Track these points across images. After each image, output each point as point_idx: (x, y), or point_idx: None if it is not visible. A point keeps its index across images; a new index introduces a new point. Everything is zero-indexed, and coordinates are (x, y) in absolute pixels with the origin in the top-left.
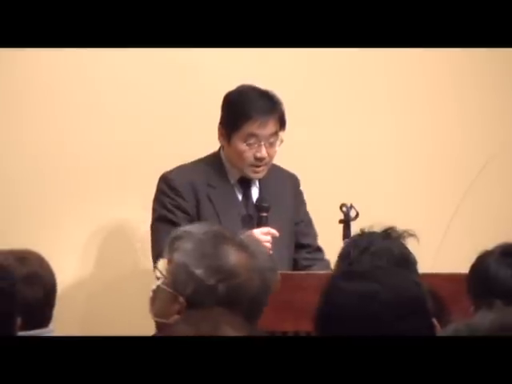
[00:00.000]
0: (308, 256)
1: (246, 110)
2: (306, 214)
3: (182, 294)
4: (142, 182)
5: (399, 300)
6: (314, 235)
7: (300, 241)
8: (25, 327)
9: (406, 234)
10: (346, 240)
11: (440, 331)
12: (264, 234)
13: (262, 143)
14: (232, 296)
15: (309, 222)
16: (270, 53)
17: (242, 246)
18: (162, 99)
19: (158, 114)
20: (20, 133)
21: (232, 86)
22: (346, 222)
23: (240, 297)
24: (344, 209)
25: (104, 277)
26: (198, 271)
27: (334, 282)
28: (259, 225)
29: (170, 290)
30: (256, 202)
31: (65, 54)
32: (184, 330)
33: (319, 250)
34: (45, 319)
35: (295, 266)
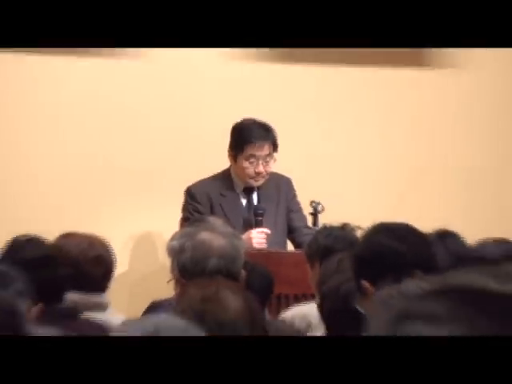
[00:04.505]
0: (298, 235)
1: (247, 136)
2: (296, 203)
3: (173, 272)
4: (171, 190)
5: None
6: (303, 219)
7: (292, 224)
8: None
9: (357, 228)
10: (313, 231)
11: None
12: (259, 233)
13: (260, 162)
14: (200, 251)
15: (298, 210)
16: (268, 73)
17: (213, 228)
18: (185, 125)
19: (182, 138)
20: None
21: (236, 112)
22: (315, 214)
23: (208, 250)
24: (313, 204)
25: (139, 267)
26: (175, 245)
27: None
28: (256, 226)
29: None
30: (253, 209)
31: (96, 67)
32: (194, 293)
33: (307, 228)
34: (103, 289)
35: (293, 241)
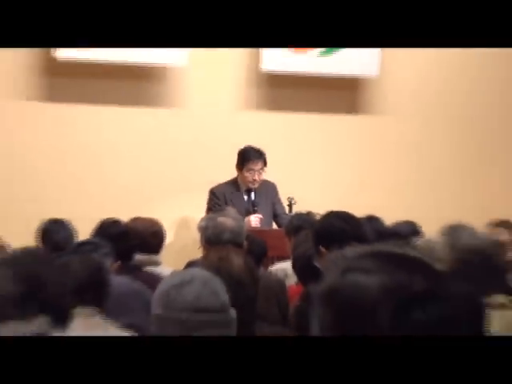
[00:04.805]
0: (280, 219)
1: (247, 157)
2: (278, 199)
3: (201, 242)
4: (201, 190)
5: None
6: (283, 208)
7: (276, 212)
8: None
9: (316, 214)
10: (289, 216)
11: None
12: (255, 218)
13: (256, 173)
14: (218, 228)
15: (279, 203)
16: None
17: (227, 214)
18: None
19: (211, 159)
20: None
21: (239, 141)
22: (290, 205)
23: (223, 228)
24: (289, 199)
25: (180, 239)
26: (202, 225)
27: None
28: (254, 213)
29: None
30: (251, 203)
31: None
32: (213, 255)
33: (285, 214)
34: (158, 252)
35: (277, 223)
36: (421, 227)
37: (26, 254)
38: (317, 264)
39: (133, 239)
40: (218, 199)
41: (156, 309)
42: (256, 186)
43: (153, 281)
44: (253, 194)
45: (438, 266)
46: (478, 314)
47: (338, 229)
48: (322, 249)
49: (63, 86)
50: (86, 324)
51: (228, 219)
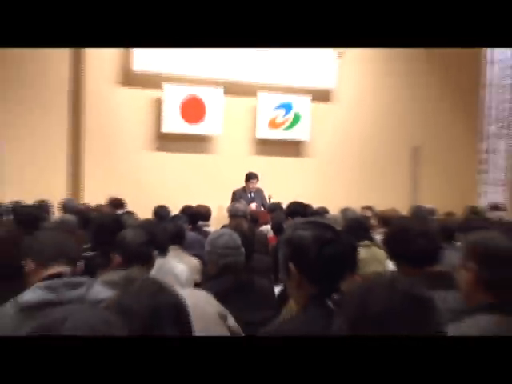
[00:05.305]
0: (264, 205)
1: (249, 176)
2: (264, 196)
3: (229, 217)
4: (228, 191)
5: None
6: (266, 200)
7: (263, 202)
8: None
9: (281, 203)
10: (269, 204)
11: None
12: (253, 205)
13: (253, 183)
14: (236, 210)
15: (264, 198)
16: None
17: (240, 203)
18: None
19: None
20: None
21: (246, 169)
22: (269, 199)
23: (238, 210)
24: (269, 195)
25: (219, 216)
26: (229, 208)
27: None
28: (253, 202)
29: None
30: (251, 198)
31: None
32: (234, 224)
33: (267, 203)
34: (208, 220)
35: (263, 208)
36: (327, 209)
37: (147, 222)
38: (285, 226)
39: (197, 214)
40: (235, 196)
41: (207, 247)
42: (254, 190)
43: (206, 234)
44: (252, 194)
45: (337, 228)
46: (354, 250)
47: (296, 209)
48: (290, 218)
49: (166, 140)
50: (175, 253)
51: (241, 205)
